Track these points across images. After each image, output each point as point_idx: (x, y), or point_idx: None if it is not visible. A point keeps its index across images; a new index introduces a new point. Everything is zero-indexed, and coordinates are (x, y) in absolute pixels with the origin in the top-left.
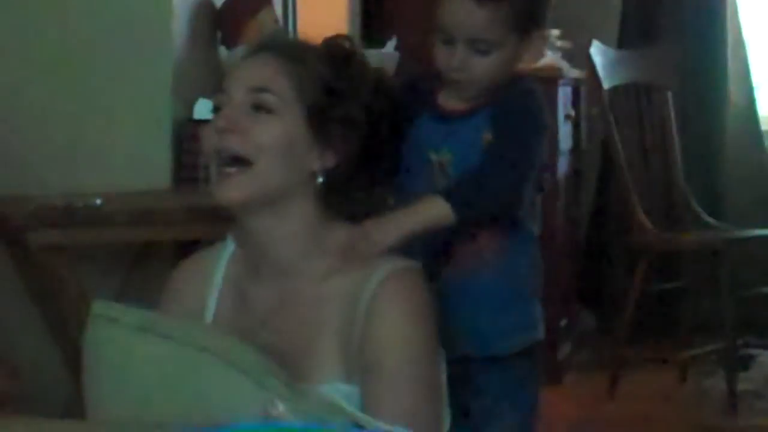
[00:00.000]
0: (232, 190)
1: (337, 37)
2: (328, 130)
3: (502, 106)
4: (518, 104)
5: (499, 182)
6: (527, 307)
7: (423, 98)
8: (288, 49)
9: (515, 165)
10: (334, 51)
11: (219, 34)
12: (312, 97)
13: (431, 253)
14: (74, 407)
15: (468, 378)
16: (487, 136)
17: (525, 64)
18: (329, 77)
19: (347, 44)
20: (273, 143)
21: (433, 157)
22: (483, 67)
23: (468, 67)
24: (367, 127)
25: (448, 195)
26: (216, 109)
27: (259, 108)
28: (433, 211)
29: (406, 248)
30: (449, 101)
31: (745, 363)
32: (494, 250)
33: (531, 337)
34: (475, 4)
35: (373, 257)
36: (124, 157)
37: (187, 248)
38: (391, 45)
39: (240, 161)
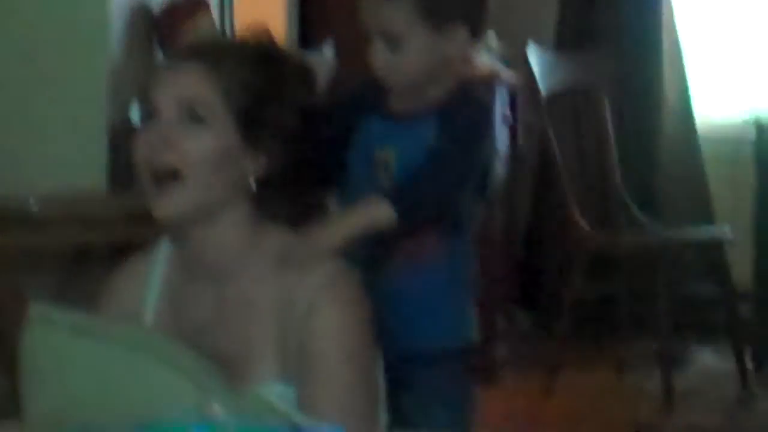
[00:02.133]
0: (168, 205)
1: (261, 36)
2: (259, 135)
3: (449, 112)
4: (463, 111)
5: (439, 184)
6: (462, 309)
7: (374, 99)
8: (212, 56)
9: (454, 167)
10: (259, 52)
11: (155, 36)
12: (240, 103)
13: (369, 251)
14: (10, 408)
15: (401, 378)
16: (435, 140)
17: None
18: (255, 81)
19: (271, 43)
20: (205, 155)
21: (378, 155)
22: (400, 63)
23: (386, 61)
24: (301, 129)
25: (390, 197)
26: (144, 119)
27: (188, 119)
28: (375, 214)
29: (346, 246)
30: (398, 102)
31: (682, 362)
32: (432, 252)
33: (464, 338)
34: None
35: (312, 262)
36: (59, 159)
37: (123, 251)
38: (328, 48)
39: (173, 175)
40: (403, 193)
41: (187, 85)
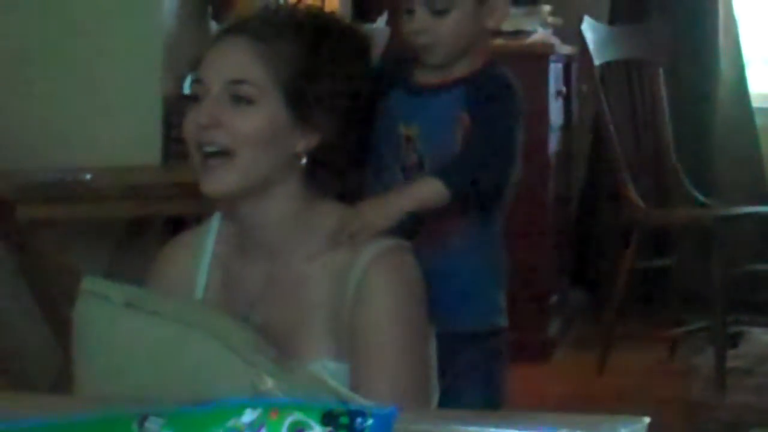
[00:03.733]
0: (218, 182)
1: (313, 7)
2: (309, 110)
3: (478, 88)
4: (495, 88)
5: (489, 163)
6: (491, 294)
7: (399, 72)
8: (261, 31)
9: (500, 146)
10: (310, 25)
11: (210, 9)
12: (290, 80)
13: (399, 229)
14: (64, 382)
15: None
16: (463, 116)
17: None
18: (307, 56)
19: (323, 15)
20: (255, 134)
21: (403, 130)
22: (444, 28)
23: (429, 29)
24: (353, 102)
25: (443, 175)
26: (194, 97)
27: (237, 99)
28: (428, 192)
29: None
30: (424, 76)
31: (735, 340)
32: (461, 234)
33: (494, 322)
34: None
35: (365, 238)
36: (114, 132)
37: (176, 223)
38: (382, 20)
39: (221, 153)
40: (453, 170)
41: (236, 64)
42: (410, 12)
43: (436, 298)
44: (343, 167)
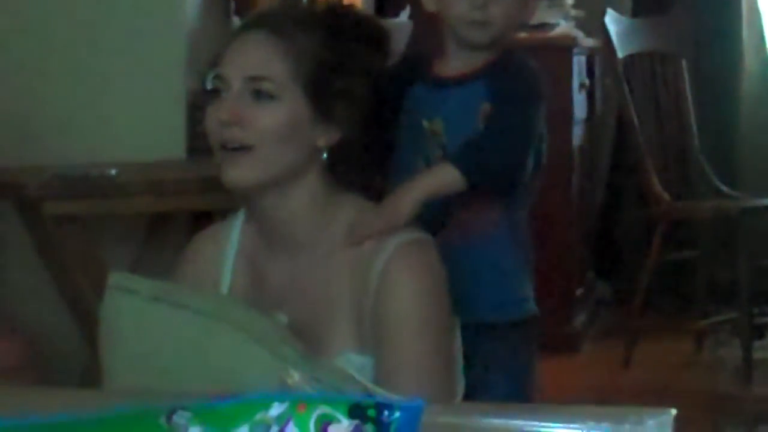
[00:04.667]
0: (239, 174)
1: (333, 2)
2: (330, 105)
3: (500, 77)
4: (515, 74)
5: (505, 147)
6: (519, 282)
7: (418, 67)
8: (281, 26)
9: (517, 131)
10: (330, 20)
11: (232, 4)
12: (311, 75)
13: (426, 220)
14: (91, 376)
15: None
16: (485, 106)
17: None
18: (327, 51)
19: (344, 9)
20: (276, 129)
21: (426, 124)
22: (499, 6)
23: (487, 5)
24: (374, 96)
25: (458, 161)
26: (214, 92)
27: (258, 95)
28: (444, 178)
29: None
30: (445, 68)
31: (761, 332)
32: (487, 224)
33: (523, 309)
34: None
35: (384, 231)
36: (139, 127)
37: (201, 218)
38: (404, 15)
39: (244, 148)
40: (469, 156)
41: (256, 60)
42: None
43: (465, 288)
44: (365, 162)
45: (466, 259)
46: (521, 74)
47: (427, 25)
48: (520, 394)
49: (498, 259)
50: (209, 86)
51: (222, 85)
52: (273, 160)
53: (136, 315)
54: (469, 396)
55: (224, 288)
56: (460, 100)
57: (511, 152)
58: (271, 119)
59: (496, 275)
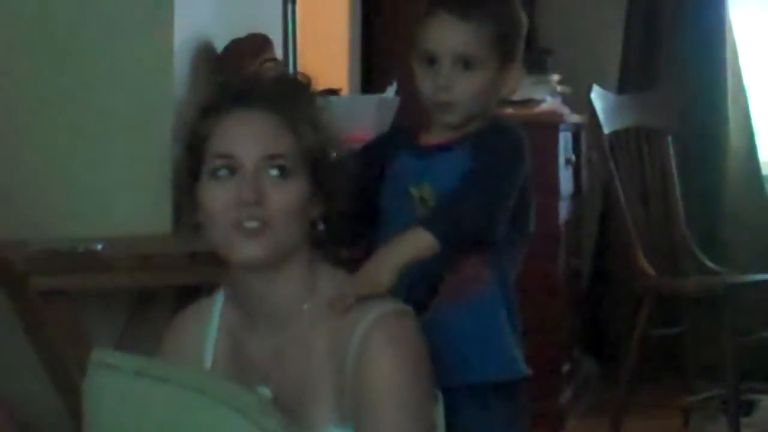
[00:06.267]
0: (257, 252)
1: (303, 75)
2: (328, 176)
3: (484, 140)
4: (496, 137)
5: (474, 204)
6: (509, 341)
7: (403, 137)
8: (277, 102)
9: (488, 188)
10: (313, 93)
11: (220, 76)
12: (311, 148)
13: (420, 287)
14: None
15: (450, 415)
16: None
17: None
18: (320, 123)
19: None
20: (291, 207)
21: (414, 192)
22: (468, 84)
23: (454, 85)
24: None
25: (427, 224)
26: (222, 169)
27: (278, 173)
28: (417, 242)
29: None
30: (429, 137)
31: (748, 408)
32: (479, 281)
33: (513, 370)
34: (461, 20)
35: (365, 301)
36: (125, 202)
37: (188, 293)
38: (391, 90)
39: (260, 226)
40: (438, 216)
41: (269, 138)
42: (432, 62)
43: (455, 353)
44: (352, 232)
45: (455, 325)
46: (504, 135)
47: (413, 100)
48: None
49: (492, 318)
50: (210, 168)
51: (231, 165)
52: (286, 237)
53: (119, 390)
54: None
55: (207, 364)
56: (446, 166)
57: (481, 208)
58: (289, 196)
59: (486, 339)
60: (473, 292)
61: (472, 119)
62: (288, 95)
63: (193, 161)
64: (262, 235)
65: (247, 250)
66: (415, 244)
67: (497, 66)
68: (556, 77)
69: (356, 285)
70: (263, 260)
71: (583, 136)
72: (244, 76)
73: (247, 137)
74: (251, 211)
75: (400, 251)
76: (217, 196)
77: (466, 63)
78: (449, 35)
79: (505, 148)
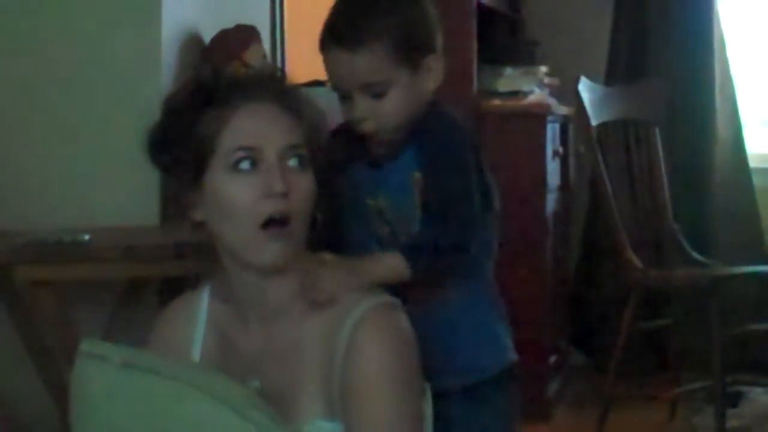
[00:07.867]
0: (279, 255)
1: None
2: (323, 173)
3: (425, 142)
4: (439, 137)
5: (450, 236)
6: (494, 333)
7: (356, 146)
8: (288, 96)
9: (455, 205)
10: (302, 89)
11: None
12: (315, 144)
13: (390, 290)
14: None
15: (438, 411)
16: (416, 175)
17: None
18: (317, 118)
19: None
20: (310, 198)
21: (371, 203)
22: (385, 109)
23: (371, 115)
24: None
25: (408, 254)
26: (244, 161)
27: (299, 163)
28: (393, 269)
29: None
30: (379, 147)
31: (734, 400)
32: (455, 287)
33: (502, 360)
34: (350, 52)
35: (349, 297)
36: (112, 193)
37: (174, 284)
38: None
39: (284, 221)
40: (412, 246)
41: (287, 129)
42: (346, 97)
43: (442, 351)
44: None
45: (440, 322)
46: (445, 135)
47: None
48: None
49: (470, 316)
50: (231, 161)
51: (254, 157)
52: (301, 234)
53: (107, 382)
54: None
55: (195, 357)
56: (396, 177)
57: (452, 231)
58: (309, 185)
59: (469, 332)
60: (449, 295)
61: (408, 124)
62: (290, 89)
63: (197, 159)
64: (284, 234)
65: (268, 254)
66: (393, 269)
67: (410, 72)
68: (543, 69)
69: (330, 282)
70: (282, 266)
71: (571, 127)
72: (245, 72)
73: (268, 128)
74: (279, 203)
75: (373, 271)
76: (243, 189)
77: (376, 89)
78: (346, 70)
79: (451, 149)
